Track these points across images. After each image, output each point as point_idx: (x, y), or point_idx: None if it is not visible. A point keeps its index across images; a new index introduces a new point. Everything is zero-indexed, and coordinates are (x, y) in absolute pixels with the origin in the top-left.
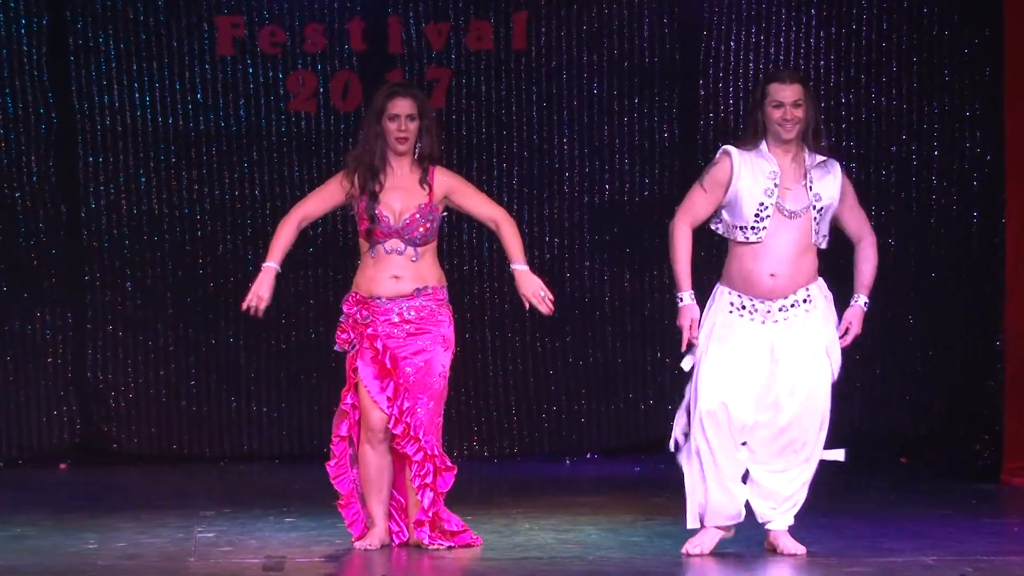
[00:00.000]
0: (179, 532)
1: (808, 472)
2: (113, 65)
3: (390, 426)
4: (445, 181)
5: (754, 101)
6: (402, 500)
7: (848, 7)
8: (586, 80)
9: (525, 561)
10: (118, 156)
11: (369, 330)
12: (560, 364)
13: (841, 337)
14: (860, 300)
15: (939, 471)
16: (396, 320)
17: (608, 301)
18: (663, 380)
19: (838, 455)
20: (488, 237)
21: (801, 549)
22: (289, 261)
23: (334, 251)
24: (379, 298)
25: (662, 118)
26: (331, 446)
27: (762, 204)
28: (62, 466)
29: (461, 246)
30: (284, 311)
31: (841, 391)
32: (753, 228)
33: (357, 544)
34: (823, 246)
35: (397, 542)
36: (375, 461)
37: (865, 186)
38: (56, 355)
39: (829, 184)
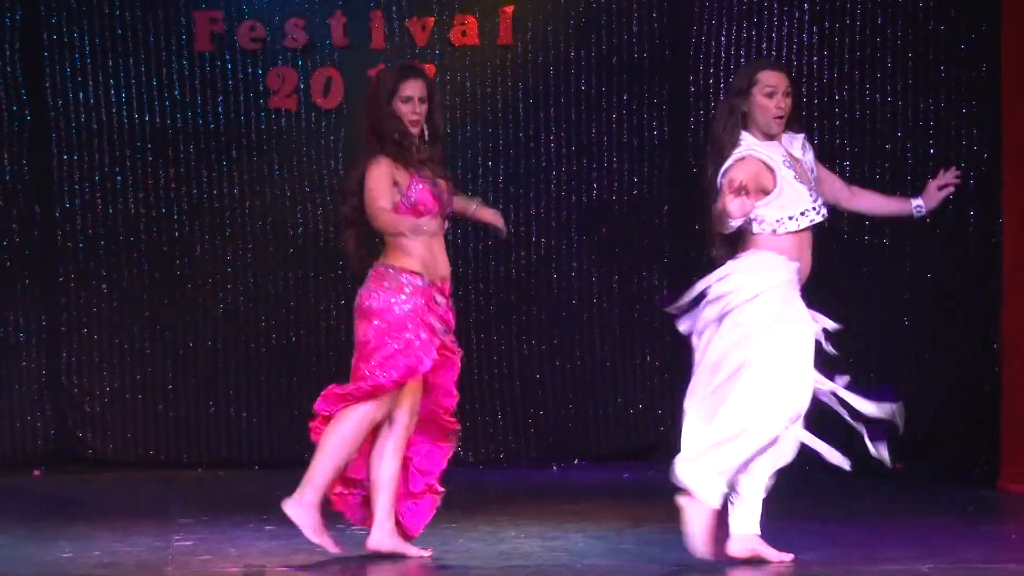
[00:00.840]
0: (156, 540)
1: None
2: (88, 61)
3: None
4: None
5: (737, 89)
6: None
7: (842, 1)
8: (574, 76)
9: (511, 569)
10: (93, 154)
11: (431, 318)
12: (547, 367)
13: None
14: (913, 202)
15: (936, 476)
16: (442, 307)
17: (596, 303)
18: (652, 384)
19: (841, 462)
20: (473, 238)
21: (746, 554)
22: (268, 262)
23: (314, 252)
24: (443, 280)
25: (652, 115)
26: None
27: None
28: (36, 472)
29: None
30: (264, 313)
31: None
32: (815, 208)
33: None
34: None
35: (353, 519)
36: (374, 418)
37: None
38: (30, 358)
39: (807, 151)
